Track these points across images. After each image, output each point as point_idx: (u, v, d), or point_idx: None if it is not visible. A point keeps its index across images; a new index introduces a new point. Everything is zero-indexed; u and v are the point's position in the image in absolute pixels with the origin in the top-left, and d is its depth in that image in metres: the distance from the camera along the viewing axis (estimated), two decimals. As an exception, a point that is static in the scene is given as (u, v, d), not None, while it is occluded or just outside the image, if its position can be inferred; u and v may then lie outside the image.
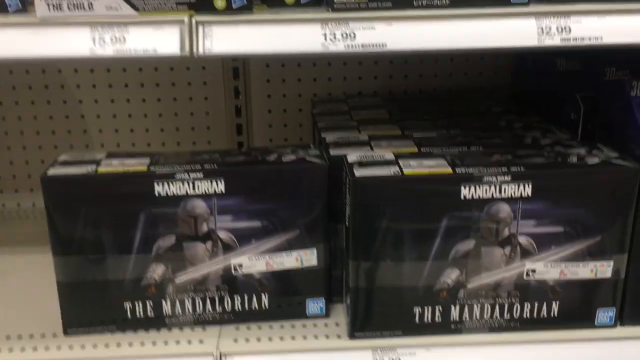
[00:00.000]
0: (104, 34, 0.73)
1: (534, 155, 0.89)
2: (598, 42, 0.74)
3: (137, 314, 0.94)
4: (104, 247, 0.89)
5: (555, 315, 0.91)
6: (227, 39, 0.74)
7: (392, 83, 1.41)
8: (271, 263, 0.93)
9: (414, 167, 0.86)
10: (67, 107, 1.39)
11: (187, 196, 0.88)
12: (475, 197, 0.84)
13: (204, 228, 0.90)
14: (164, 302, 0.93)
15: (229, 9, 0.74)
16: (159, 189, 0.88)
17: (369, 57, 1.38)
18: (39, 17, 0.72)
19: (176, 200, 0.88)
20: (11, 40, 0.73)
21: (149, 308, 0.93)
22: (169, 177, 0.87)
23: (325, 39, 0.74)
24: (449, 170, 0.85)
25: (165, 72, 1.37)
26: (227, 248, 0.91)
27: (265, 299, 0.95)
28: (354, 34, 0.74)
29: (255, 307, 0.95)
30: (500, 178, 0.84)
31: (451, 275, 0.88)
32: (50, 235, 0.88)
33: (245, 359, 0.91)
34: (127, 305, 0.93)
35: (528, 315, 0.91)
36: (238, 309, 0.95)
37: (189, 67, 1.37)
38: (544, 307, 0.90)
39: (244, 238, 0.91)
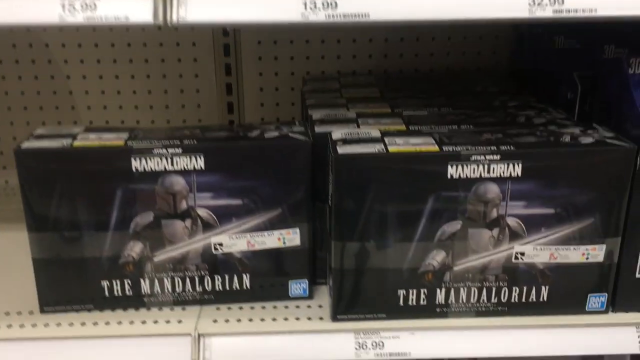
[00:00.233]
0: (74, 0, 0.70)
1: (525, 135, 0.86)
2: (592, 14, 0.70)
3: (115, 292, 0.91)
4: (80, 224, 0.87)
5: (545, 300, 0.88)
6: (203, 7, 0.71)
7: (388, 62, 1.38)
8: (252, 242, 0.90)
9: (399, 145, 0.83)
10: (55, 83, 1.36)
11: (165, 172, 0.86)
12: (463, 176, 0.81)
13: (183, 205, 0.87)
14: (142, 281, 0.91)
15: (204, -25, 0.71)
16: (136, 164, 0.85)
17: (361, 34, 1.34)
18: (6, -18, 0.69)
19: (154, 176, 0.86)
20: (-24, 5, 0.70)
21: (127, 287, 0.91)
22: (147, 152, 0.85)
23: (306, 8, 0.71)
24: (436, 148, 0.82)
25: (154, 48, 1.34)
26: (207, 226, 0.89)
27: (246, 279, 0.93)
28: (335, 3, 0.70)
29: (236, 287, 0.93)
30: (488, 157, 0.81)
31: (437, 258, 0.86)
32: (25, 210, 0.86)
33: (224, 340, 0.88)
34: (105, 284, 0.91)
35: (516, 299, 0.88)
36: (219, 289, 0.93)
37: (179, 43, 1.34)
38: (533, 292, 0.87)
39: (224, 216, 0.88)
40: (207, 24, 0.70)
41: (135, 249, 0.89)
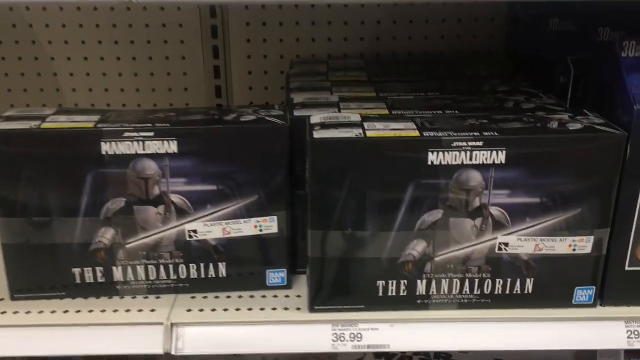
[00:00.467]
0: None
1: (511, 120, 0.82)
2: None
3: (87, 279, 0.89)
4: (49, 209, 0.84)
5: (530, 292, 0.84)
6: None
7: (380, 45, 1.33)
8: (228, 230, 0.87)
9: (378, 130, 0.79)
10: (39, 63, 1.33)
11: (136, 156, 0.83)
12: (444, 163, 0.78)
13: (156, 191, 0.85)
14: (114, 268, 0.88)
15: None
16: (106, 147, 0.82)
17: (353, 16, 1.30)
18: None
19: (125, 160, 0.83)
20: None
21: (98, 274, 0.89)
22: (117, 136, 0.82)
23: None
24: (416, 133, 0.78)
25: (140, 29, 1.31)
26: (181, 213, 0.86)
27: (222, 268, 0.90)
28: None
29: (212, 276, 0.90)
30: (471, 143, 0.77)
31: (417, 247, 0.82)
32: (-8, 194, 0.83)
33: (197, 329, 0.86)
34: (76, 271, 0.88)
35: (500, 291, 0.85)
36: (194, 277, 0.90)
37: (165, 24, 1.30)
38: (517, 284, 0.84)
39: (198, 202, 0.85)
40: None
41: (106, 235, 0.86)
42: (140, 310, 0.88)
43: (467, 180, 0.78)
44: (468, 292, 0.85)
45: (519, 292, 0.84)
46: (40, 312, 0.87)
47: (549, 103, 0.91)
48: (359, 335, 0.85)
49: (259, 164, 0.84)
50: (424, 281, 0.84)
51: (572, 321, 0.85)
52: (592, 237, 0.81)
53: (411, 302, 0.85)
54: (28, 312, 0.87)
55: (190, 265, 0.89)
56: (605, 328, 0.85)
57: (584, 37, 0.96)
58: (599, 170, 0.78)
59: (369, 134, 0.78)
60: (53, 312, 0.87)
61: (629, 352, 1.17)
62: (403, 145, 0.77)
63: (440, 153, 0.77)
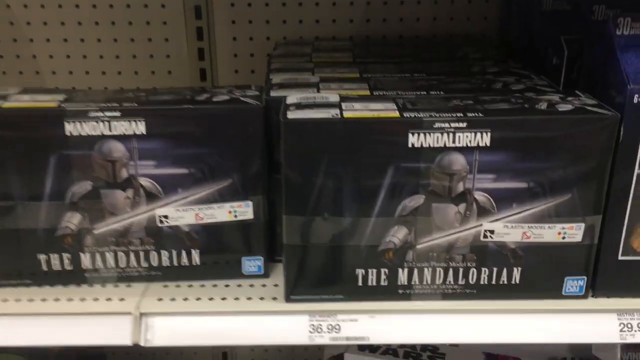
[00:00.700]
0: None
1: (498, 101, 0.78)
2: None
3: (54, 266, 0.85)
4: (12, 193, 0.80)
5: (517, 282, 0.80)
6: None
7: (370, 27, 1.29)
8: (201, 215, 0.83)
9: (357, 110, 0.75)
10: (18, 45, 1.29)
11: (102, 137, 0.78)
12: (425, 145, 0.73)
13: (124, 174, 0.80)
14: (82, 255, 0.84)
15: None
16: (70, 128, 0.78)
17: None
18: None
19: (90, 141, 0.79)
20: None
21: (66, 261, 0.85)
22: (81, 116, 0.77)
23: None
24: (396, 114, 0.74)
25: (121, 9, 1.26)
26: (151, 197, 0.82)
27: (196, 255, 0.86)
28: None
29: (185, 264, 0.86)
30: (454, 124, 0.73)
31: (398, 235, 0.78)
32: (-48, 177, 0.79)
33: (168, 320, 0.82)
34: (42, 257, 0.84)
35: (486, 281, 0.80)
36: (166, 265, 0.86)
37: (147, 5, 1.26)
38: (504, 273, 0.80)
39: (169, 186, 0.81)
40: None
41: (73, 220, 0.82)
42: (108, 300, 0.84)
43: (450, 163, 0.74)
44: (452, 282, 0.80)
45: (505, 282, 0.80)
46: (5, 300, 0.83)
47: (540, 84, 0.87)
48: (337, 327, 0.81)
49: (233, 147, 0.80)
50: (406, 270, 0.80)
51: (561, 313, 0.81)
52: (583, 225, 0.77)
53: (392, 292, 0.81)
54: (-8, 301, 0.83)
55: (162, 252, 0.85)
56: (597, 321, 0.81)
57: (579, 16, 0.92)
58: (590, 153, 0.74)
59: (346, 114, 0.74)
60: (18, 300, 0.83)
61: (625, 344, 1.13)
62: (382, 127, 0.73)
63: (422, 135, 0.73)
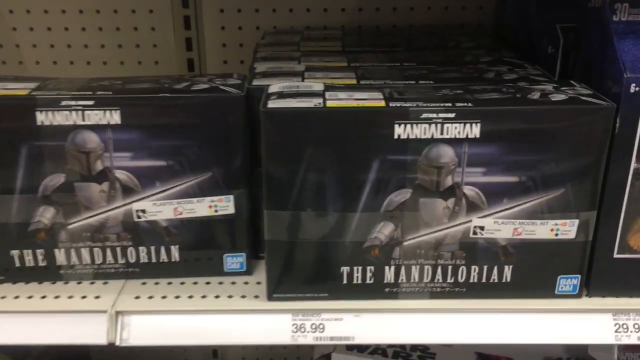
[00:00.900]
0: None
1: (489, 91, 0.74)
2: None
3: (27, 263, 0.82)
4: (-18, 185, 0.77)
5: (508, 280, 0.77)
6: None
7: (362, 17, 1.25)
8: (180, 210, 0.80)
9: (341, 100, 0.72)
10: (0, 34, 1.25)
11: (75, 127, 0.75)
12: (412, 137, 0.70)
13: (98, 166, 0.77)
14: (57, 251, 0.81)
15: None
16: (42, 117, 0.74)
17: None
18: None
19: (63, 131, 0.75)
20: None
21: (39, 257, 0.81)
22: (53, 104, 0.74)
23: None
24: (382, 104, 0.70)
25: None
26: (127, 191, 0.78)
27: (175, 251, 0.82)
28: None
29: (163, 260, 0.83)
30: (442, 115, 0.69)
31: (384, 231, 0.75)
32: None
33: (145, 318, 0.79)
34: (15, 253, 0.81)
35: (476, 279, 0.77)
36: (144, 261, 0.83)
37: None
38: (495, 271, 0.77)
39: (146, 180, 0.78)
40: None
41: (46, 214, 0.79)
42: (83, 297, 0.80)
43: (438, 156, 0.71)
44: (441, 280, 0.77)
45: (496, 280, 0.77)
46: (-24, 297, 0.80)
47: (534, 74, 0.83)
48: (321, 326, 0.78)
49: (212, 138, 0.77)
50: (392, 268, 0.77)
51: (554, 313, 0.78)
52: (576, 221, 0.73)
53: (379, 290, 0.78)
54: (-38, 298, 0.80)
55: (140, 248, 0.82)
56: (592, 321, 0.78)
57: (575, 3, 0.88)
58: (584, 146, 0.70)
59: (329, 104, 0.70)
60: (-11, 297, 0.80)
61: (623, 345, 1.10)
62: (366, 117, 0.70)
63: (408, 126, 0.69)
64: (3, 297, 0.80)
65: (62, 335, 0.78)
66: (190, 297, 0.81)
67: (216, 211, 0.80)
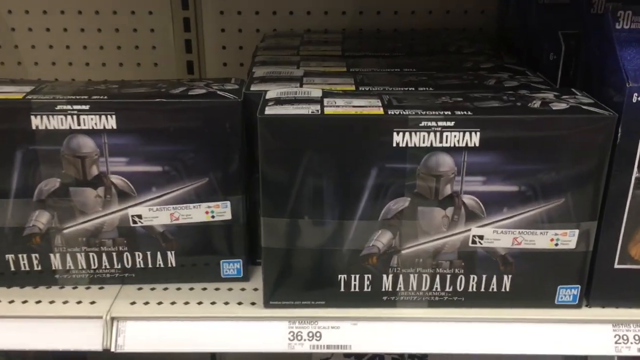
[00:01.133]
0: None
1: (489, 99, 0.73)
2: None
3: (22, 267, 0.81)
4: (-24, 189, 0.76)
5: (507, 290, 0.76)
6: None
7: (363, 20, 1.24)
8: (176, 215, 0.79)
9: (339, 107, 0.71)
10: (-1, 35, 1.25)
11: (70, 132, 0.74)
12: (411, 145, 0.69)
13: (94, 171, 0.76)
14: (52, 256, 0.81)
15: None
16: (37, 122, 0.74)
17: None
18: None
19: (58, 136, 0.74)
20: None
21: (35, 261, 0.81)
22: (48, 109, 0.73)
23: None
24: (380, 112, 0.70)
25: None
26: (123, 196, 0.78)
27: (171, 257, 0.82)
28: None
29: (160, 266, 0.82)
30: (441, 123, 0.68)
31: (382, 239, 0.74)
32: None
33: (140, 325, 0.78)
34: (10, 258, 0.80)
35: (474, 289, 0.76)
36: (140, 266, 0.82)
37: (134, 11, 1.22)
38: (494, 281, 0.76)
39: (142, 185, 0.77)
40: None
41: (41, 219, 0.78)
42: (79, 303, 0.80)
43: (437, 165, 0.70)
44: (439, 289, 0.76)
45: (495, 290, 0.76)
46: (-30, 302, 0.79)
47: (535, 81, 0.82)
48: (317, 335, 0.77)
49: (209, 144, 0.76)
50: (390, 276, 0.76)
51: (554, 323, 0.77)
52: (577, 231, 0.73)
53: (376, 298, 0.77)
54: (-44, 302, 0.79)
55: (136, 253, 0.81)
56: (591, 331, 0.77)
57: (577, 9, 0.87)
58: (585, 156, 0.70)
59: (327, 111, 0.70)
60: (-17, 302, 0.80)
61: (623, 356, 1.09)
62: (364, 124, 0.69)
63: (407, 134, 0.69)
64: (-3, 302, 0.80)
65: (57, 341, 0.78)
66: (187, 303, 0.80)
67: (213, 217, 0.80)
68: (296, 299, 0.78)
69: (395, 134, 0.69)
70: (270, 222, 0.74)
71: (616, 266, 0.75)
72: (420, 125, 0.68)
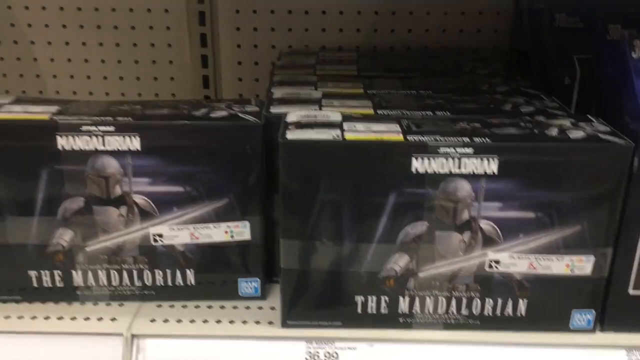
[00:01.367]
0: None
1: (507, 125, 0.75)
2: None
3: (45, 283, 0.82)
4: (3, 207, 0.78)
5: (523, 314, 0.77)
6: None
7: (377, 38, 1.26)
8: (196, 235, 0.80)
9: (359, 132, 0.72)
10: (19, 48, 1.27)
11: (95, 152, 0.76)
12: (430, 171, 0.70)
13: (117, 191, 0.78)
14: (74, 272, 0.82)
15: None
16: (63, 142, 0.75)
17: (349, 5, 1.22)
18: None
19: (83, 156, 0.76)
20: None
21: (57, 278, 0.82)
22: (74, 129, 0.75)
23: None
24: (400, 137, 0.71)
25: (124, 14, 1.24)
26: (145, 215, 0.79)
27: (190, 275, 0.83)
28: None
29: (179, 284, 0.83)
30: (460, 150, 0.69)
31: (399, 262, 0.75)
32: (-59, 190, 0.77)
33: (160, 342, 0.79)
34: (33, 274, 0.82)
35: (490, 312, 0.77)
36: (160, 284, 0.83)
37: (150, 9, 1.23)
38: (509, 305, 0.77)
39: (164, 205, 0.79)
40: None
41: (64, 236, 0.80)
42: (100, 319, 0.81)
43: (455, 190, 0.71)
44: (455, 312, 0.77)
45: (510, 313, 0.77)
46: (-7, 317, 0.81)
47: (551, 107, 0.83)
48: (334, 355, 0.78)
49: (230, 165, 0.77)
50: (407, 298, 0.77)
51: (568, 347, 0.78)
52: (592, 257, 0.74)
53: (393, 320, 0.78)
54: (-20, 317, 0.81)
55: (156, 271, 0.82)
56: (605, 356, 0.77)
57: (593, 34, 0.88)
58: (602, 183, 0.71)
59: (348, 136, 0.71)
60: (7, 317, 0.81)
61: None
62: (385, 150, 0.70)
63: (426, 159, 0.70)
64: (20, 317, 0.81)
65: (79, 357, 0.79)
66: (205, 321, 0.81)
67: (232, 237, 0.81)
68: (313, 319, 0.79)
69: (414, 159, 0.70)
70: (289, 243, 0.75)
71: (631, 292, 0.76)
72: (439, 151, 0.69)
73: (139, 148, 0.76)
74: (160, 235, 0.80)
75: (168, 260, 0.82)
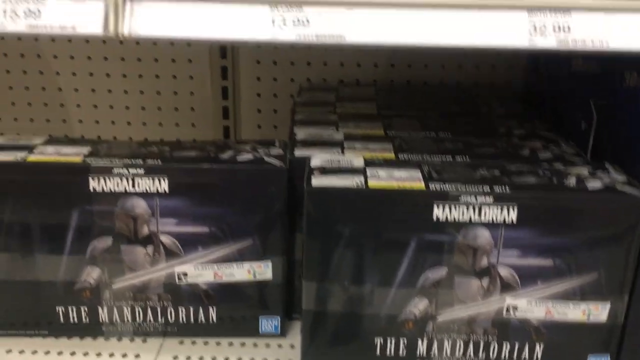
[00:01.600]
0: (17, 5, 0.63)
1: (526, 173, 0.76)
2: (602, 47, 0.60)
3: (71, 319, 0.84)
4: (33, 245, 0.80)
5: (539, 359, 0.78)
6: (158, 20, 0.62)
7: (394, 72, 1.28)
8: (220, 274, 0.82)
9: (381, 179, 0.74)
10: (47, 94, 1.30)
11: (125, 194, 0.78)
12: (450, 219, 0.72)
13: (145, 230, 0.80)
14: (100, 309, 0.84)
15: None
16: (94, 184, 0.77)
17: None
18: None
19: (113, 197, 0.78)
20: None
21: (83, 314, 0.84)
22: (106, 172, 0.77)
23: (274, 25, 0.62)
24: (421, 185, 0.73)
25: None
26: (170, 254, 0.81)
27: (212, 313, 0.85)
28: (307, 20, 0.62)
29: (201, 321, 0.85)
30: (480, 198, 0.71)
31: (419, 306, 0.77)
32: (-25, 227, 0.79)
33: (183, 379, 0.81)
34: (60, 309, 0.84)
35: (507, 356, 0.79)
36: (182, 321, 0.85)
37: (175, 60, 1.26)
38: (526, 349, 0.78)
39: (189, 244, 0.81)
40: (162, 37, 0.62)
41: (92, 274, 0.82)
42: (124, 355, 0.83)
43: (475, 237, 0.73)
44: (472, 356, 0.79)
45: (527, 358, 0.78)
46: (21, 351, 0.83)
47: (568, 153, 0.85)
48: (352, 393, 0.80)
49: (254, 207, 0.79)
50: (425, 341, 0.79)
51: (583, 390, 0.79)
52: (608, 304, 0.75)
53: (411, 361, 0.80)
54: (9, 351, 0.83)
55: (179, 308, 0.84)
56: (619, 399, 0.79)
57: (609, 80, 0.90)
58: (619, 233, 0.72)
59: (371, 183, 0.73)
60: (34, 352, 0.83)
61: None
62: (407, 198, 0.72)
63: (447, 207, 0.72)
64: (47, 352, 0.83)
65: (103, 392, 0.81)
66: (226, 359, 0.83)
67: (254, 276, 0.83)
68: (333, 359, 0.80)
69: (435, 207, 0.72)
70: (311, 286, 0.77)
71: (646, 338, 0.77)
72: (460, 200, 0.71)
73: (166, 190, 0.78)
74: (185, 274, 0.82)
75: (191, 297, 0.84)
